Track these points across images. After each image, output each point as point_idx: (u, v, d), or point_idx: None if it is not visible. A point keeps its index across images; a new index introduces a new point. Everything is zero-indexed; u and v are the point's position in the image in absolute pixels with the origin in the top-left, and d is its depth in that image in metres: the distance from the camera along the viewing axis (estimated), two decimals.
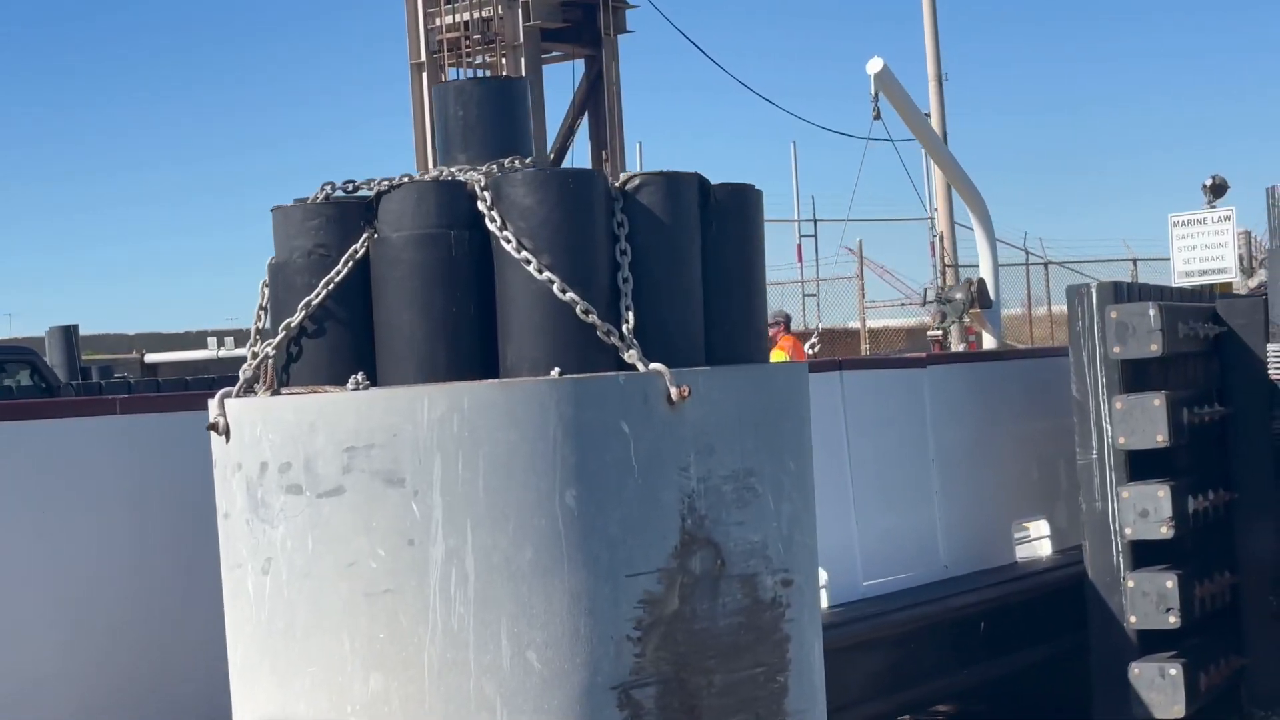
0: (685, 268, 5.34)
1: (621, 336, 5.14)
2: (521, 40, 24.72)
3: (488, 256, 5.20)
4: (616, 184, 5.29)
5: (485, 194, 5.19)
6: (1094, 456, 10.53)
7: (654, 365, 5.09)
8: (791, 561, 5.42)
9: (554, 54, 26.05)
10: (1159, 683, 10.04)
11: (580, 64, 26.22)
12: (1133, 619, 10.14)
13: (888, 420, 10.36)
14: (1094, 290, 10.55)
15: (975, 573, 10.74)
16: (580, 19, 25.39)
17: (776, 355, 18.23)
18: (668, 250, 5.30)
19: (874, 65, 12.20)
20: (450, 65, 25.12)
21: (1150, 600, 10.10)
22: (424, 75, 25.58)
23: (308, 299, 5.23)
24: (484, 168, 5.33)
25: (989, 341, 13.36)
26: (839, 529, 9.81)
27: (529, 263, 5.10)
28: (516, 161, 5.53)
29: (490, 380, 5.02)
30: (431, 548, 4.88)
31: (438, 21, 25.30)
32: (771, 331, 18.91)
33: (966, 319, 13.31)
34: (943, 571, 10.56)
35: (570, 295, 5.08)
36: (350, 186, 5.38)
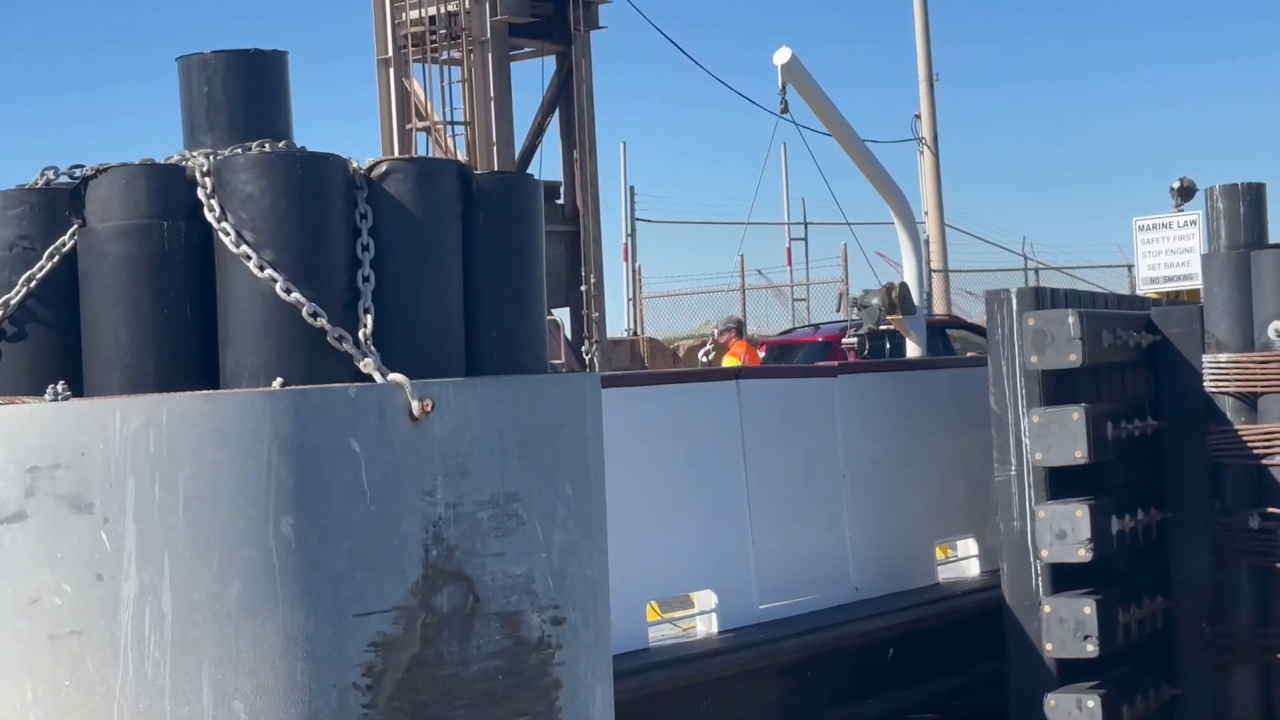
0: (440, 266, 4.72)
1: (356, 343, 4.52)
2: (488, 35, 24.12)
3: (210, 252, 4.59)
4: (360, 170, 4.66)
5: (206, 180, 4.57)
6: (1012, 473, 9.91)
7: (393, 376, 4.47)
8: (564, 597, 4.80)
9: (524, 50, 25.43)
10: (1075, 715, 9.41)
11: (552, 61, 25.61)
12: (1049, 647, 9.50)
13: (793, 433, 9.76)
14: (1013, 296, 9.92)
15: (888, 595, 10.13)
16: (551, 14, 24.76)
17: (729, 360, 17.66)
18: (419, 245, 4.68)
19: (781, 55, 11.57)
20: (415, 60, 24.53)
21: (1068, 627, 9.46)
22: (391, 71, 25.00)
23: (6, 297, 4.63)
24: (209, 152, 4.71)
25: (913, 350, 12.72)
26: (734, 549, 9.21)
27: (249, 258, 4.48)
28: (267, 146, 4.90)
29: (194, 392, 4.41)
30: (123, 583, 4.28)
31: (404, 16, 24.72)
32: (724, 338, 18.34)
33: (884, 325, 12.71)
34: (852, 594, 9.95)
35: (295, 296, 4.46)
36: (77, 172, 4.77)
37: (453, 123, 24.13)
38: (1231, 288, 10.14)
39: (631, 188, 31.33)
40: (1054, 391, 9.84)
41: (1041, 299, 9.92)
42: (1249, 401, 10.12)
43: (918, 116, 33.87)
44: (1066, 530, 9.50)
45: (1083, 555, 9.45)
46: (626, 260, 33.06)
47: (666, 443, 8.94)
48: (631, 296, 32.89)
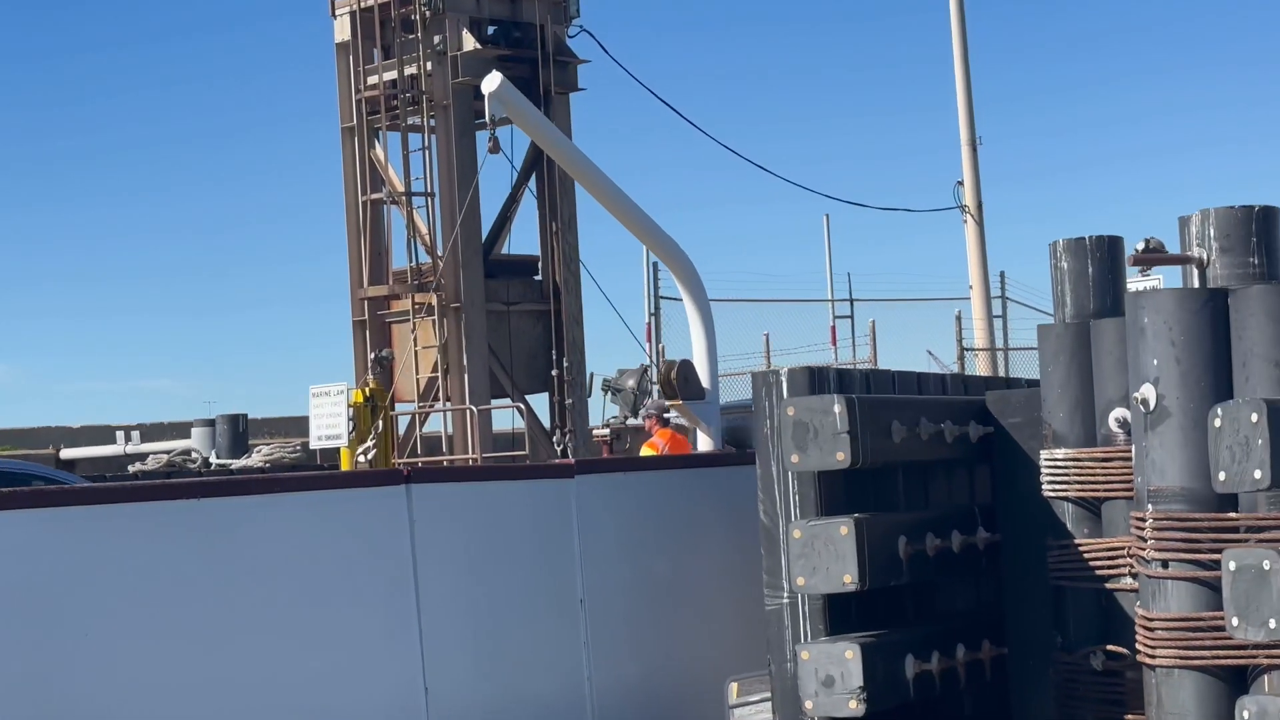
0: None
1: None
2: (450, 99, 22.46)
3: None
4: None
5: None
6: (784, 601, 7.90)
7: None
8: None
9: (504, 116, 23.70)
10: None
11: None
12: None
13: (503, 550, 7.83)
14: (783, 379, 7.94)
15: None
16: (526, 75, 23.03)
17: (646, 451, 15.64)
18: None
19: (490, 82, 9.75)
20: (378, 128, 22.92)
21: None
22: (355, 139, 23.42)
23: None
24: None
25: (704, 442, 10.61)
26: (400, 698, 7.28)
27: None
28: None
29: None
30: None
31: (369, 81, 23.17)
32: (647, 424, 16.25)
33: (643, 414, 10.73)
34: None
35: None
36: None
37: (411, 194, 22.47)
38: (1069, 367, 8.06)
39: (655, 263, 29.34)
40: (833, 499, 7.84)
41: (815, 381, 7.93)
42: (1092, 508, 8.03)
43: (960, 183, 31.78)
44: (835, 676, 7.47)
45: (854, 708, 7.42)
46: (650, 340, 31.13)
47: (300, 570, 7.09)
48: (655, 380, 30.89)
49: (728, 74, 66.89)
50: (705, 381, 10.26)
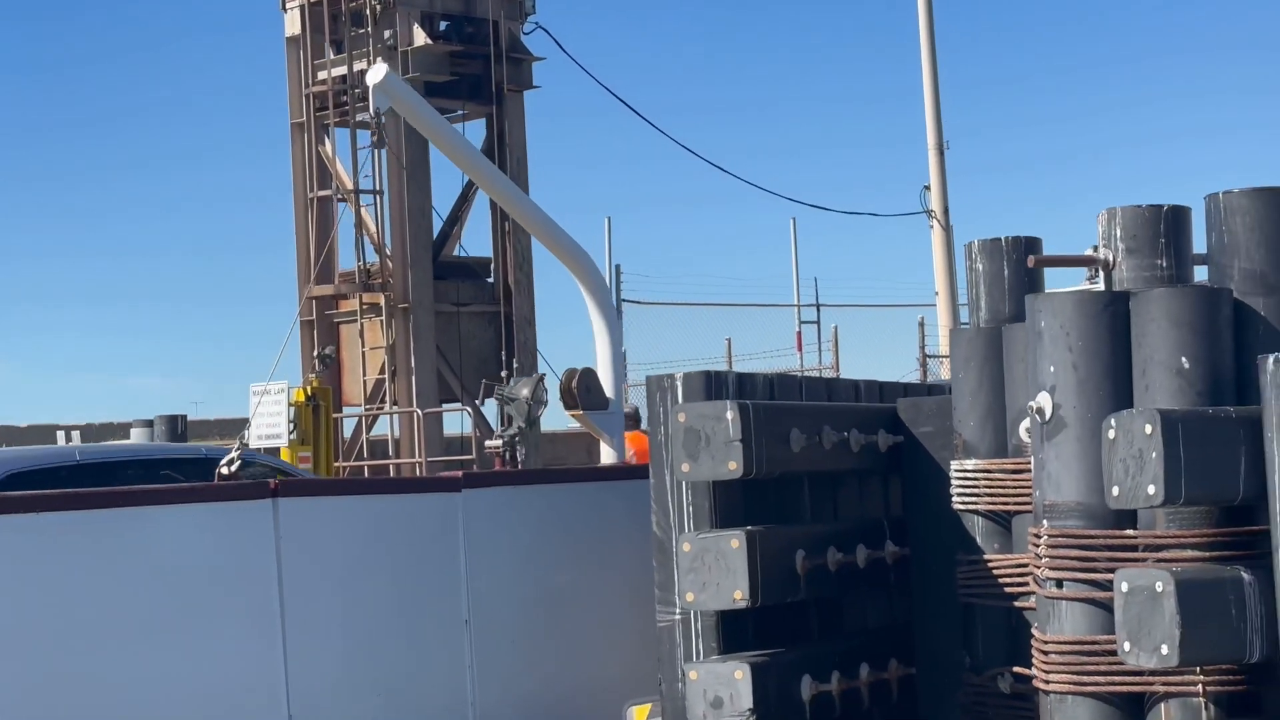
0: None
1: None
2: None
3: None
4: None
5: None
6: (676, 617, 7.51)
7: None
8: None
9: (453, 113, 23.27)
10: None
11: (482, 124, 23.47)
12: None
13: (382, 567, 7.43)
14: (678, 383, 7.55)
15: None
16: (479, 72, 22.64)
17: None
18: None
19: (375, 74, 9.33)
20: (327, 124, 22.51)
21: None
22: (305, 135, 23.00)
23: None
24: None
25: (607, 454, 10.12)
26: None
27: None
28: None
29: None
30: None
31: (319, 76, 22.75)
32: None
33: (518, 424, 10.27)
34: None
35: None
36: None
37: (360, 191, 22.06)
38: (981, 374, 7.66)
39: (617, 266, 28.91)
40: (729, 510, 7.45)
41: (711, 386, 7.53)
42: (1003, 523, 7.64)
43: (927, 187, 31.37)
44: (723, 698, 7.07)
45: None
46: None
47: (161, 589, 6.70)
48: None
49: (695, 75, 66.55)
50: (609, 391, 9.80)
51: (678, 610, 7.46)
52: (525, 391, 9.86)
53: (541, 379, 9.75)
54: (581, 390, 9.47)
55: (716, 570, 7.09)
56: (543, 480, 8.31)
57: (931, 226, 31.14)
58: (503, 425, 11.51)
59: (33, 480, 11.41)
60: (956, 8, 67.42)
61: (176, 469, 11.94)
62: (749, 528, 7.14)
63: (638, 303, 32.84)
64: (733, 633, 7.46)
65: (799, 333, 34.35)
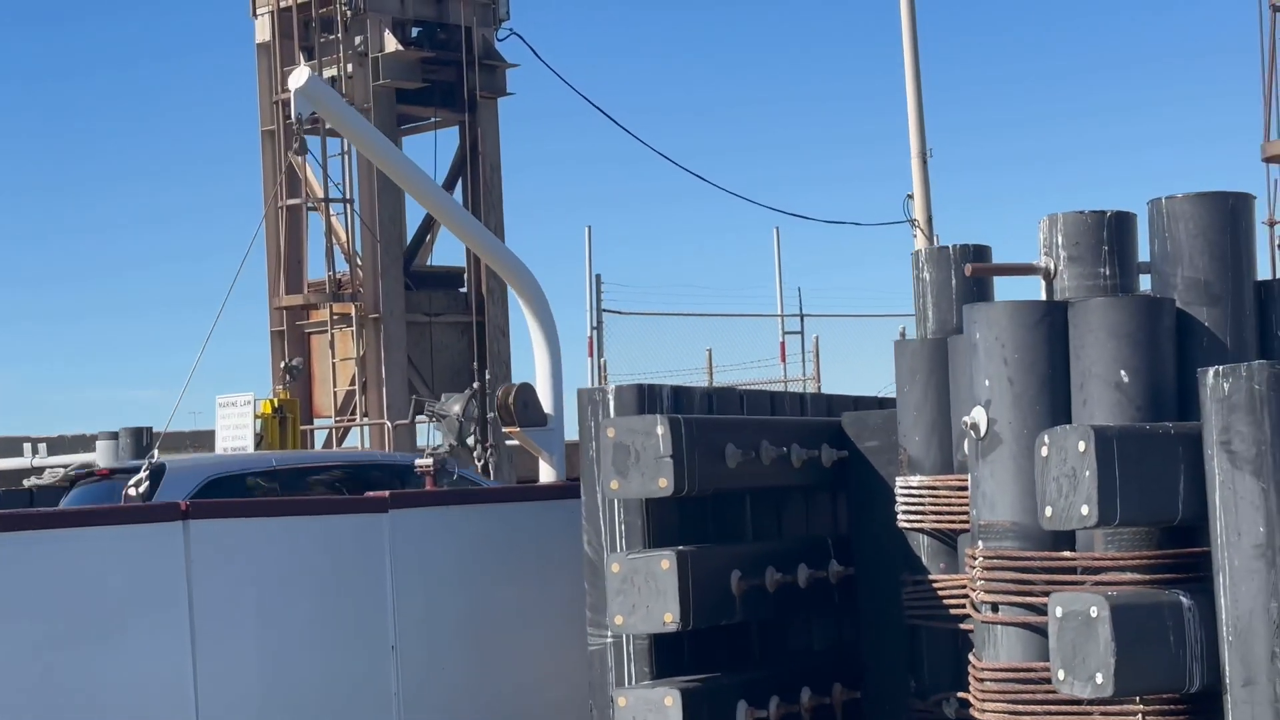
0: None
1: None
2: (372, 102, 21.74)
3: None
4: None
5: None
6: (608, 641, 7.22)
7: None
8: None
9: (425, 120, 23.01)
10: None
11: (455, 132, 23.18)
12: None
13: (304, 591, 7.14)
14: (609, 397, 7.26)
15: None
16: (452, 79, 22.35)
17: None
18: None
19: (297, 77, 9.05)
20: (303, 132, 22.17)
21: None
22: (276, 142, 22.71)
23: None
24: None
25: (546, 473, 9.84)
26: None
27: None
28: None
29: None
30: None
31: (289, 83, 22.44)
32: None
33: (475, 442, 9.95)
34: None
35: None
36: None
37: (329, 200, 21.77)
38: (926, 387, 7.37)
39: (598, 276, 28.58)
40: (663, 529, 7.17)
41: (649, 401, 7.25)
42: (948, 541, 7.35)
43: (910, 196, 31.07)
44: None
45: None
46: (591, 355, 30.35)
47: (67, 616, 6.40)
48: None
49: (676, 80, 66.32)
50: (548, 407, 9.51)
51: (610, 634, 7.18)
52: (456, 408, 9.58)
53: (474, 394, 9.47)
54: (519, 406, 9.17)
55: (646, 592, 6.81)
56: (474, 500, 8.02)
57: (915, 235, 30.86)
58: (479, 440, 11.25)
59: (229, 486, 11.22)
60: (940, 10, 67.18)
61: (366, 474, 11.70)
62: (681, 548, 6.86)
63: (618, 313, 32.59)
64: (667, 657, 7.17)
65: (783, 343, 34.08)
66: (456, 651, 7.58)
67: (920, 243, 31.06)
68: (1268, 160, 29.17)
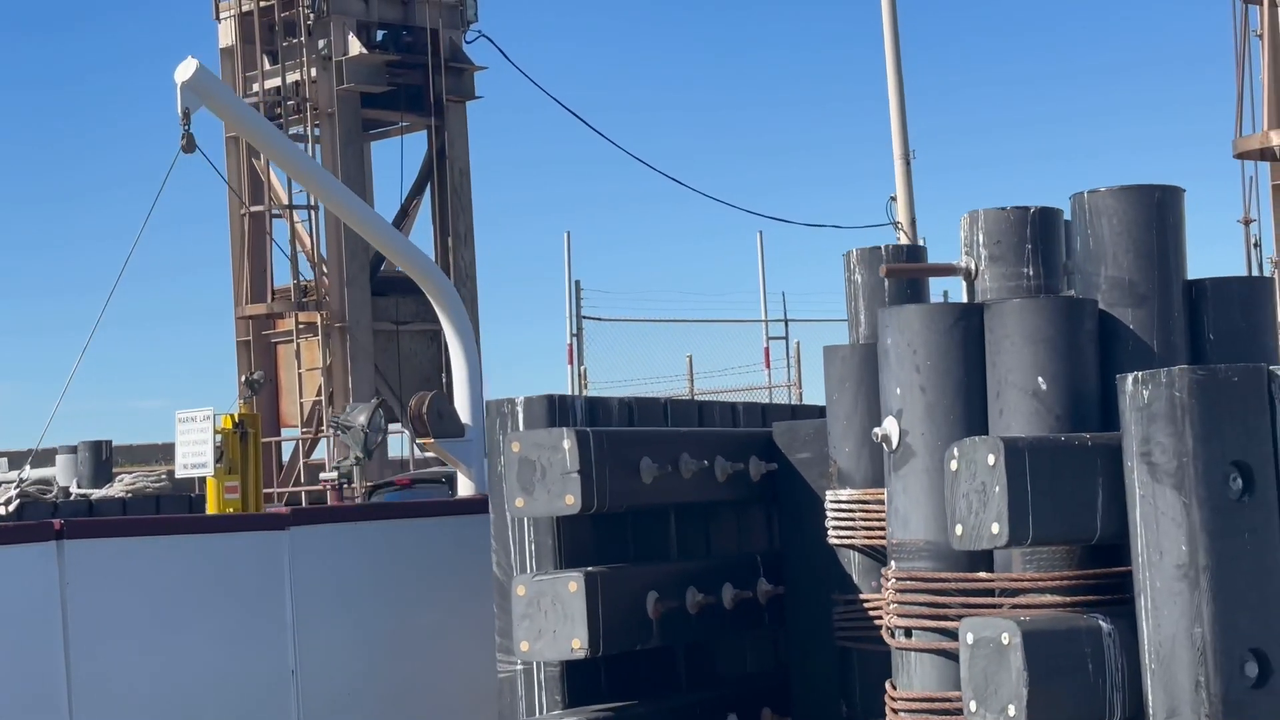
0: None
1: None
2: (335, 107, 21.36)
3: None
4: None
5: None
6: (517, 668, 6.82)
7: None
8: None
9: (393, 125, 22.62)
10: None
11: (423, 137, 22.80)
12: None
13: (195, 615, 6.74)
14: (519, 408, 6.87)
15: None
16: (419, 83, 21.97)
17: None
18: None
19: (183, 71, 8.68)
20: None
21: None
22: (241, 146, 22.31)
23: None
24: None
25: (464, 486, 9.43)
26: None
27: None
28: None
29: None
30: None
31: (254, 88, 22.09)
32: None
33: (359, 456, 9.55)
34: None
35: None
36: None
37: (293, 206, 21.39)
38: (856, 395, 6.97)
39: (577, 282, 28.15)
40: (576, 549, 6.77)
41: (561, 412, 6.85)
42: (880, 558, 6.95)
43: (893, 198, 30.65)
44: None
45: None
46: (571, 363, 29.92)
47: None
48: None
49: (654, 81, 65.96)
50: (466, 417, 9.10)
51: (519, 660, 6.78)
52: (361, 419, 9.18)
53: (379, 405, 9.07)
54: (432, 417, 8.77)
55: (553, 616, 6.41)
56: (380, 516, 7.64)
57: (899, 238, 30.39)
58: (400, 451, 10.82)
59: None
60: (922, 13, 66.92)
61: None
62: (591, 569, 6.47)
63: (598, 319, 32.17)
64: (580, 684, 6.78)
65: (766, 348, 33.66)
66: (361, 677, 7.19)
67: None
68: (1239, 156, 28.69)
